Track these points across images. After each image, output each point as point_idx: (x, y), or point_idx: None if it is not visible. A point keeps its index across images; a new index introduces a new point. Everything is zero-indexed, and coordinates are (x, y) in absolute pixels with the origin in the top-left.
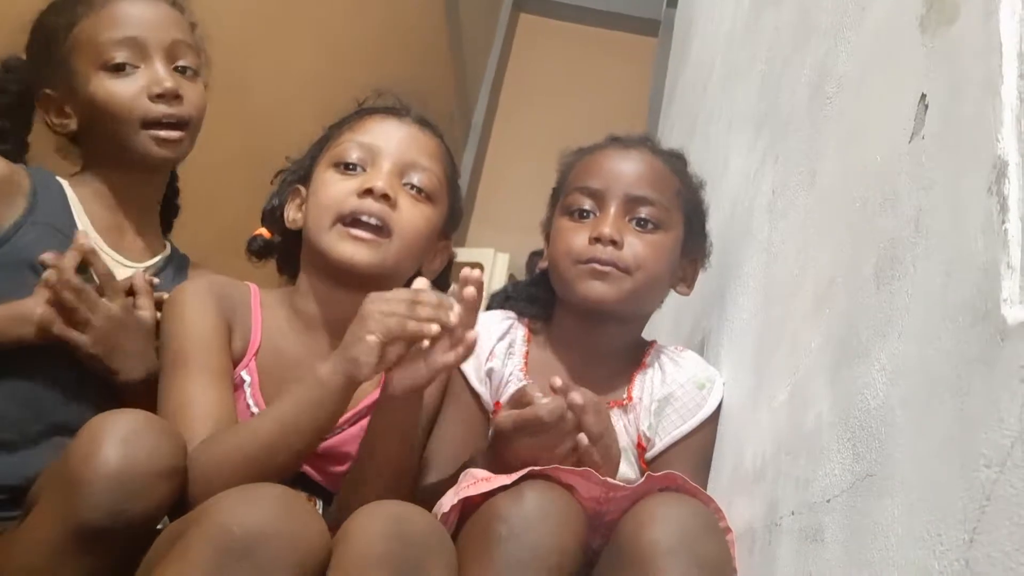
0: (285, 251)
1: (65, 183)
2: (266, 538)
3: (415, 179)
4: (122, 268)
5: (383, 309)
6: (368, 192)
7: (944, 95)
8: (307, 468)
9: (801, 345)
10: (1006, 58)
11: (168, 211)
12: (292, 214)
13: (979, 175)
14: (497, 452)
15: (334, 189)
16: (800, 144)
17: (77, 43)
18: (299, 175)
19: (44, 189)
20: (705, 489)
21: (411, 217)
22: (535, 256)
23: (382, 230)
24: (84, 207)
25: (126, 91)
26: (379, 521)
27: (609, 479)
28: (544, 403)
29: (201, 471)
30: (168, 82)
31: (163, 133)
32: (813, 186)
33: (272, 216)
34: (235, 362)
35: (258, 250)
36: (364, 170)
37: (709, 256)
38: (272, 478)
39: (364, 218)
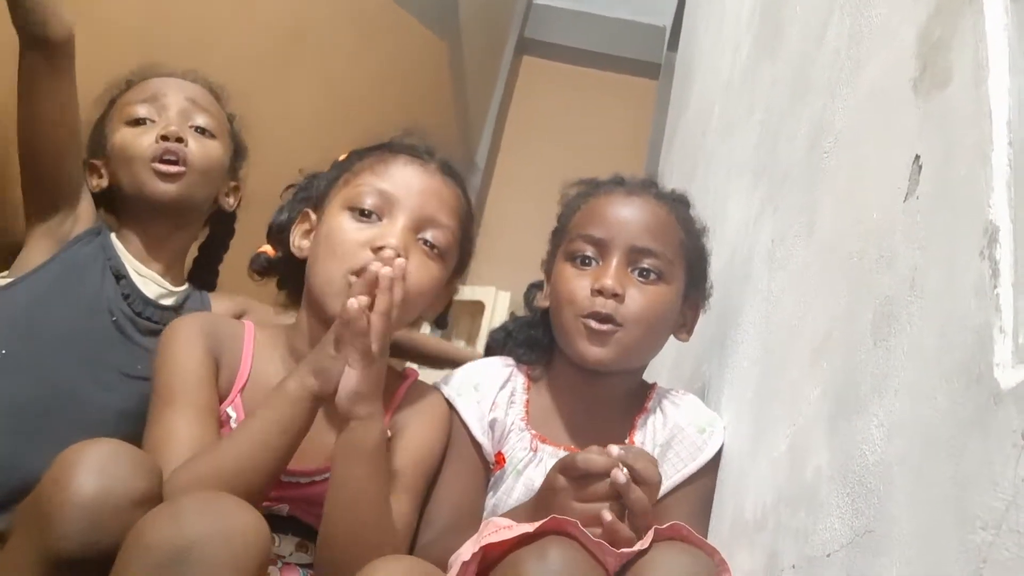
0: (286, 270)
1: (112, 234)
2: (197, 544)
3: (429, 235)
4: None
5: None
6: (379, 249)
7: (937, 157)
8: (297, 512)
9: (800, 396)
10: (996, 125)
11: (209, 261)
12: (298, 240)
13: (972, 238)
14: (539, 497)
15: (346, 239)
16: (798, 196)
17: (114, 111)
18: (312, 198)
19: (104, 228)
20: (705, 534)
21: (418, 275)
22: (534, 288)
23: None
24: (120, 253)
25: (141, 137)
26: None
27: (625, 550)
28: (597, 458)
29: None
30: (174, 126)
31: (163, 167)
32: (811, 238)
33: (278, 232)
34: (222, 398)
35: (261, 268)
36: (379, 218)
37: (709, 298)
38: (251, 499)
39: None
